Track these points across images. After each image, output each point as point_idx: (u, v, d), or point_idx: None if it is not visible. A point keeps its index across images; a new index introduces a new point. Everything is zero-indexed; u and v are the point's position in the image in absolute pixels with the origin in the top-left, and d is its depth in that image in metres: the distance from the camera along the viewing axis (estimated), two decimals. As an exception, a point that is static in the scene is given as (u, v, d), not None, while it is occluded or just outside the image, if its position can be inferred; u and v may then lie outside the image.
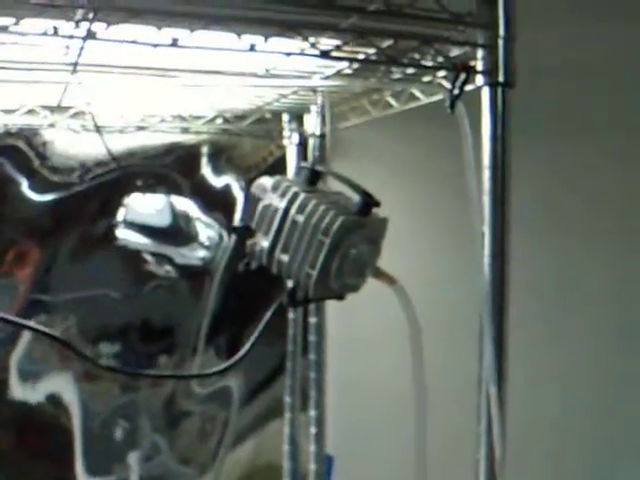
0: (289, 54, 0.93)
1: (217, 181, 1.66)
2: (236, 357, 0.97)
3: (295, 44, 0.93)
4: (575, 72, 1.55)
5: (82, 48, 0.86)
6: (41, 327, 1.00)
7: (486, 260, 0.95)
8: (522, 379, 1.25)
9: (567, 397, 1.64)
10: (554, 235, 1.62)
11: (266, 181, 1.02)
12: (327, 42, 0.96)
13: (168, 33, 0.84)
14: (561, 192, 1.61)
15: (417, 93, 1.15)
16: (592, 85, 1.56)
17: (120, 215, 1.56)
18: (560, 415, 1.64)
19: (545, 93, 1.48)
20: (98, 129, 1.20)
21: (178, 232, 1.61)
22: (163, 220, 1.59)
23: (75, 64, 0.92)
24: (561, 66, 1.53)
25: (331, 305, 1.57)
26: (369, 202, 0.96)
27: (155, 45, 0.83)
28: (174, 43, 0.84)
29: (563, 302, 1.64)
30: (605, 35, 1.54)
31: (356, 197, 0.98)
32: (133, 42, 0.83)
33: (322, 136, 1.46)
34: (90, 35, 0.81)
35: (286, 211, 0.97)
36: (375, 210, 0.99)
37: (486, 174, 0.94)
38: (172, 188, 1.61)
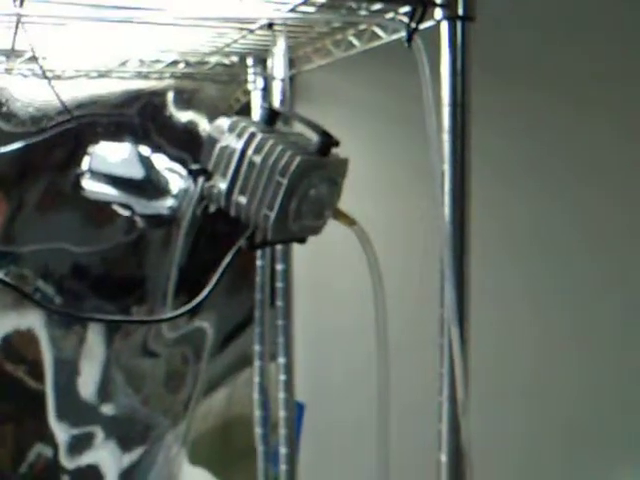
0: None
1: (183, 127, 1.63)
2: (195, 301, 0.97)
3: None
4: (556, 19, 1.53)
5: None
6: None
7: (446, 199, 0.94)
8: (493, 321, 1.26)
9: (542, 341, 1.65)
10: (526, 179, 1.61)
11: (223, 122, 1.00)
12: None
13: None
14: (535, 139, 1.60)
15: (379, 32, 1.13)
16: (577, 32, 1.54)
17: (85, 164, 1.53)
18: (535, 358, 1.65)
19: (525, 38, 1.46)
20: (45, 75, 1.17)
21: (145, 181, 1.59)
22: (129, 169, 1.57)
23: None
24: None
25: (298, 251, 1.56)
26: (328, 142, 0.95)
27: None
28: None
29: (537, 246, 1.64)
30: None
31: (315, 137, 0.96)
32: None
33: (285, 79, 1.43)
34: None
35: (243, 152, 0.96)
36: (336, 151, 0.97)
37: (445, 111, 0.93)
38: (138, 136, 1.58)
